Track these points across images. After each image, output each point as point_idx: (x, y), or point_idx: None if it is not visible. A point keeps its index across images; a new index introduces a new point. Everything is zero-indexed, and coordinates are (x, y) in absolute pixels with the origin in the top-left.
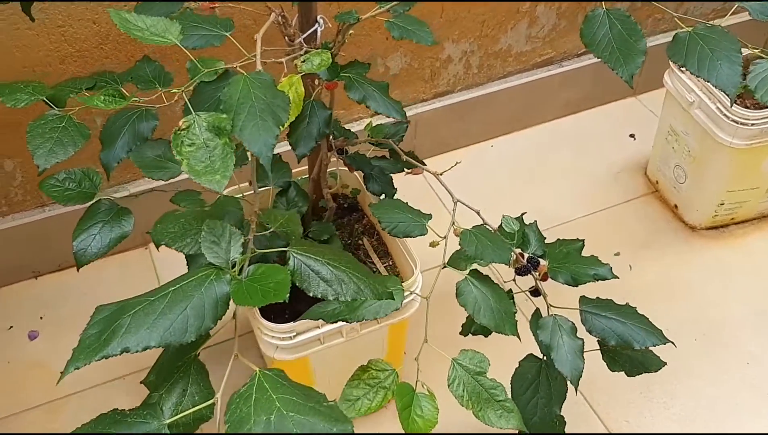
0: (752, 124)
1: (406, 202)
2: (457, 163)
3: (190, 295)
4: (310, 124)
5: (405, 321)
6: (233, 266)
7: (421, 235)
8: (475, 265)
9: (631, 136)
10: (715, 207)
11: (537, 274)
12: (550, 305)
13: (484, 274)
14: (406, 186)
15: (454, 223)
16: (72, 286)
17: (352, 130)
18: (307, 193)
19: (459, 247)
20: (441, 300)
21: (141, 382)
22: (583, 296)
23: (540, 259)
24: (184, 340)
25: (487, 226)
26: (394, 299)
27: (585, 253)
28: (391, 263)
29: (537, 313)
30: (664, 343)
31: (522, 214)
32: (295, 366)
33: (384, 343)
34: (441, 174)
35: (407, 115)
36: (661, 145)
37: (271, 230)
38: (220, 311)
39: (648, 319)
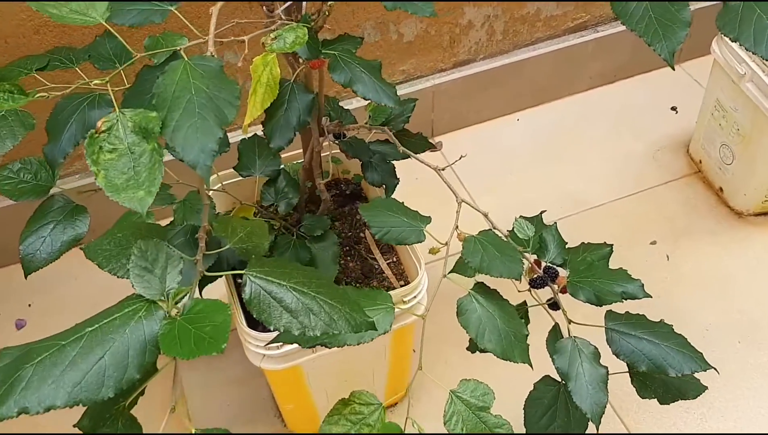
0: None
1: (402, 202)
2: (462, 156)
3: (111, 337)
4: (289, 111)
5: (408, 329)
6: (172, 298)
7: (417, 241)
8: (479, 277)
9: (673, 109)
10: (766, 191)
11: (556, 286)
12: (571, 321)
13: (491, 287)
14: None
15: (457, 227)
16: (63, 270)
17: (350, 111)
18: (299, 183)
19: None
20: (449, 300)
21: (74, 425)
22: (610, 311)
23: (559, 269)
24: (99, 398)
25: (497, 232)
26: (376, 329)
27: (618, 241)
28: (395, 260)
29: (555, 331)
30: (705, 370)
31: (541, 213)
32: (286, 376)
33: (386, 349)
34: (443, 169)
35: (424, 86)
36: (707, 122)
37: (227, 247)
38: (148, 358)
39: (686, 339)
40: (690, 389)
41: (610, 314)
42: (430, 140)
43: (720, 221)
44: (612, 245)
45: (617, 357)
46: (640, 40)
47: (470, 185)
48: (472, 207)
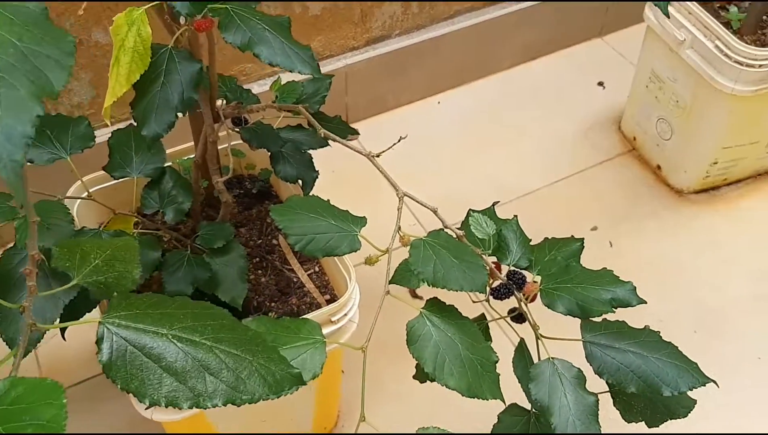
0: (760, 66)
1: (327, 201)
2: (401, 138)
3: None
4: (167, 86)
5: (336, 352)
6: None
7: (352, 251)
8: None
9: (600, 84)
10: (707, 166)
11: (522, 295)
12: (541, 336)
13: (446, 303)
14: (334, 161)
15: (399, 229)
16: None
17: (251, 92)
18: (191, 183)
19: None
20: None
21: None
22: (586, 320)
23: (524, 273)
24: None
25: (450, 231)
26: (302, 382)
27: (557, 229)
28: (317, 269)
29: (521, 350)
30: (704, 384)
31: (494, 205)
32: (187, 425)
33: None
34: (378, 155)
35: (335, 67)
36: (640, 95)
37: (73, 283)
38: None
39: (676, 348)
40: (680, 405)
41: (587, 325)
42: None
43: (660, 201)
44: (582, 240)
45: (600, 376)
46: (566, 9)
47: (394, 175)
48: (419, 202)
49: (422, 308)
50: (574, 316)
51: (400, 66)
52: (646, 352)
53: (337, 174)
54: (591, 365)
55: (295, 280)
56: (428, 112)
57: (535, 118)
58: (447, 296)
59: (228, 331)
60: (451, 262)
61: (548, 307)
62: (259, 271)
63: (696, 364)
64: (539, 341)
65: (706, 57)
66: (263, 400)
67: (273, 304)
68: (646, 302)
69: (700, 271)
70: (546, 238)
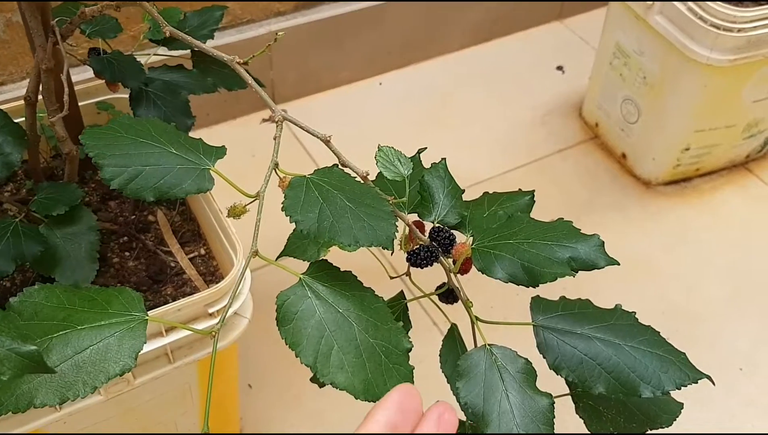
0: (739, 30)
1: (172, 125)
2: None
3: None
4: None
5: (228, 354)
6: None
7: (198, 191)
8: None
9: (559, 68)
10: (678, 153)
11: (451, 260)
12: (478, 319)
13: (343, 270)
14: (254, 141)
15: (276, 167)
16: None
17: (111, 17)
18: (25, 129)
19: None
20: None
21: None
22: (537, 298)
23: (453, 233)
24: None
25: (348, 169)
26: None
27: None
28: (204, 252)
29: (452, 338)
30: (697, 381)
31: (419, 152)
32: None
33: (193, 388)
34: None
35: (256, 34)
36: (603, 74)
37: None
38: None
39: (658, 333)
40: (662, 411)
41: (539, 303)
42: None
43: (626, 193)
44: (533, 192)
45: (557, 372)
46: None
47: (324, 162)
48: (303, 128)
49: (303, 274)
50: (518, 283)
51: (336, 38)
52: (618, 339)
53: (258, 158)
54: (545, 357)
55: (172, 264)
56: (369, 94)
57: (487, 103)
58: (368, 275)
59: None
60: (345, 207)
61: (483, 272)
62: (126, 253)
63: (684, 354)
64: (475, 326)
65: (678, 22)
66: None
67: (140, 293)
68: (617, 263)
69: (670, 270)
70: (486, 193)
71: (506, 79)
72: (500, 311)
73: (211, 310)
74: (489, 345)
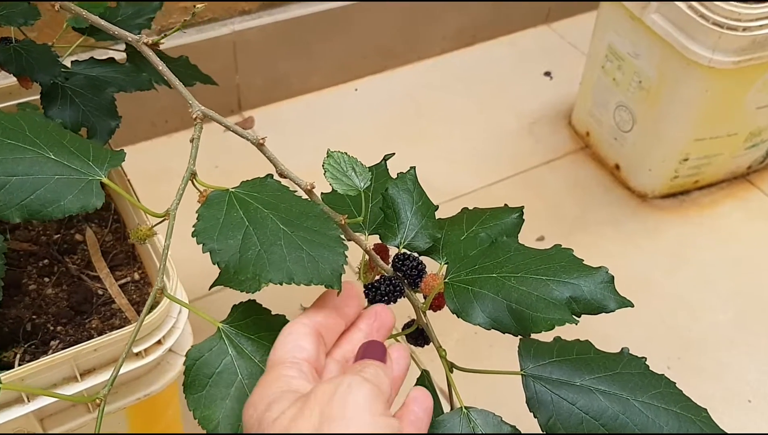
0: (744, 29)
1: (58, 124)
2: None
3: None
4: None
5: (169, 391)
6: None
7: (82, 208)
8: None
9: (547, 74)
10: (676, 164)
11: (421, 295)
12: (453, 367)
13: (276, 314)
14: (219, 154)
15: (194, 177)
16: None
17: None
18: None
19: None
20: None
21: None
22: (528, 338)
23: (423, 261)
24: None
25: (284, 180)
26: None
27: None
28: (137, 278)
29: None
30: None
31: (385, 159)
32: None
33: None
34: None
35: (219, 34)
36: (595, 79)
37: None
38: None
39: (674, 385)
40: None
41: (528, 347)
42: (238, 115)
43: (620, 207)
44: (522, 208)
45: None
46: None
47: (296, 172)
48: (219, 120)
49: (223, 322)
50: (503, 331)
51: (305, 40)
52: (626, 392)
53: (222, 170)
54: (536, 417)
55: (100, 292)
56: (343, 101)
57: (470, 111)
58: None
59: None
60: (277, 232)
61: (458, 316)
62: (46, 279)
63: (706, 411)
64: (449, 378)
65: (677, 21)
66: None
67: (60, 327)
68: (631, 305)
69: (670, 292)
70: (464, 209)
71: (490, 86)
72: (486, 340)
73: (137, 350)
74: (467, 408)
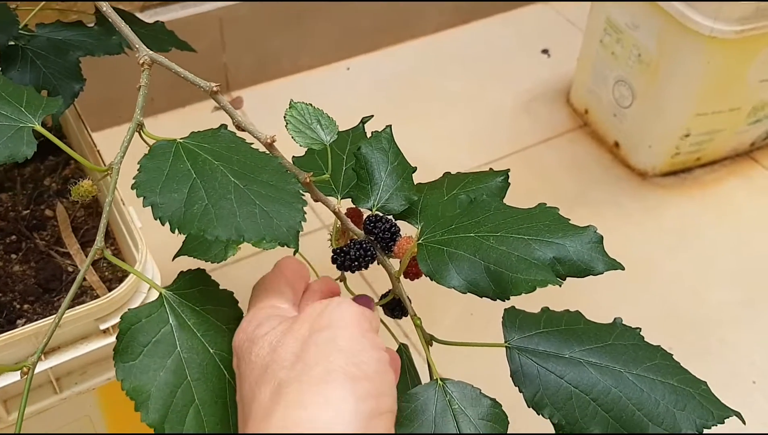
0: None
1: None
2: None
3: None
4: None
5: None
6: None
7: (11, 159)
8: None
9: (544, 52)
10: (677, 141)
11: (395, 260)
12: (433, 339)
13: (224, 289)
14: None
15: (142, 128)
16: None
17: None
18: None
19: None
20: None
21: None
22: (512, 309)
23: (397, 224)
24: None
25: (240, 132)
26: None
27: None
28: (112, 252)
29: (404, 368)
30: (722, 420)
31: (363, 121)
32: None
33: (95, 422)
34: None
35: (205, 10)
36: (593, 54)
37: None
38: None
39: (671, 357)
40: None
41: (513, 317)
42: (227, 96)
43: (620, 186)
44: (507, 171)
45: (538, 410)
46: None
47: (287, 155)
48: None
49: (167, 288)
50: (480, 294)
51: (296, 17)
52: (619, 365)
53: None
54: (521, 391)
55: (70, 269)
56: (335, 80)
57: (466, 89)
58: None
59: None
60: (228, 185)
61: (432, 278)
62: (13, 256)
63: (705, 384)
64: (426, 350)
65: None
66: None
67: (27, 305)
68: (622, 267)
69: (672, 271)
70: (446, 173)
71: (487, 64)
72: (480, 318)
73: (104, 326)
74: (442, 380)
